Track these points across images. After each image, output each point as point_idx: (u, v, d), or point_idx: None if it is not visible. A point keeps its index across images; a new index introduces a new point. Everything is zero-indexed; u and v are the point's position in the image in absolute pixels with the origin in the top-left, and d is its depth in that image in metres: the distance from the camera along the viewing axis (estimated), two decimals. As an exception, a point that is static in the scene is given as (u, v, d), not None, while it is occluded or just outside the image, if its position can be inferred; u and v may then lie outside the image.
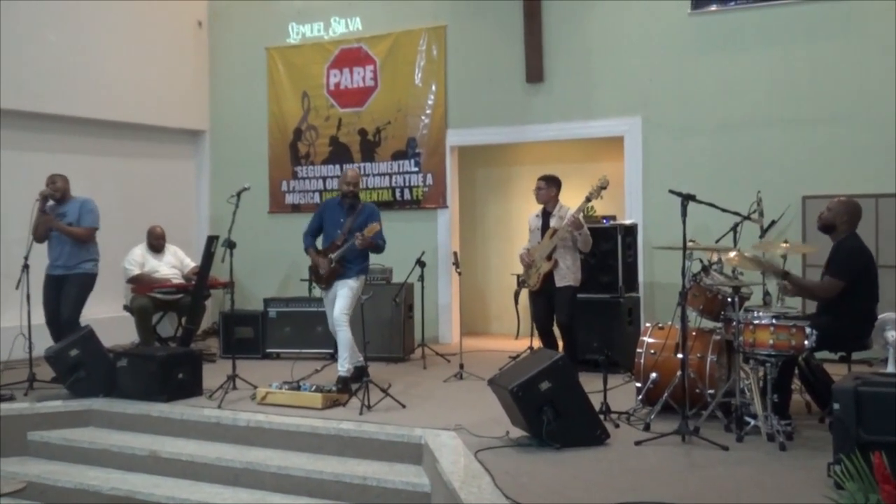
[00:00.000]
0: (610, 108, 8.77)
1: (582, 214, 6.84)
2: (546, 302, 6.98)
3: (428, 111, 9.65)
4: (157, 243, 8.64)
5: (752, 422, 5.14)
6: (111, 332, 8.13)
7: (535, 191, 7.16)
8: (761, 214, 6.96)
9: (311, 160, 10.31)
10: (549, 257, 6.87)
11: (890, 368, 5.29)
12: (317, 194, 10.23)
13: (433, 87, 9.62)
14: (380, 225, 6.60)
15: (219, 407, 6.18)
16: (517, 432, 5.22)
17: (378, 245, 6.72)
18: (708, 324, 5.98)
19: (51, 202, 7.23)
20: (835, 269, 5.47)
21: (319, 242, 6.96)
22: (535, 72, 9.00)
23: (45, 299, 7.21)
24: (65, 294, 7.15)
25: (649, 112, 8.58)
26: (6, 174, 8.52)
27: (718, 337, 5.75)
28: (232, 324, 8.20)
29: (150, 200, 10.02)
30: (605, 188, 6.65)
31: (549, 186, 7.11)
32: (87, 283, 7.23)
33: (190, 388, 6.64)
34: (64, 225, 7.15)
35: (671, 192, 5.50)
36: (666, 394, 5.48)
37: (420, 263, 8.10)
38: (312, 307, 8.40)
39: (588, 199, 6.71)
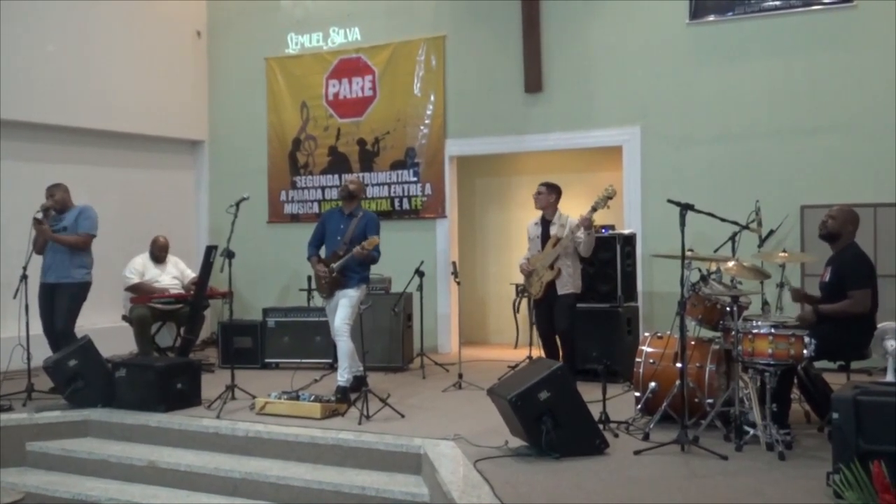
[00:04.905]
0: (609, 117, 8.79)
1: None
2: (548, 310, 6.99)
3: (427, 121, 9.67)
4: (159, 254, 8.64)
5: (752, 431, 5.13)
6: (110, 341, 8.12)
7: (535, 195, 7.15)
8: (760, 224, 6.97)
9: (309, 170, 10.32)
10: (551, 266, 6.88)
11: (889, 378, 5.28)
12: (316, 204, 10.24)
13: (432, 97, 9.64)
14: (379, 238, 6.61)
15: (217, 417, 6.17)
16: (516, 442, 5.21)
17: (373, 257, 6.71)
18: (707, 333, 5.99)
19: (52, 213, 7.24)
20: (857, 280, 5.42)
21: (322, 252, 6.96)
22: (534, 82, 9.02)
23: (41, 308, 7.20)
24: (57, 304, 7.12)
25: (648, 122, 8.60)
26: (5, 185, 8.52)
27: (717, 346, 5.75)
28: (231, 334, 8.20)
29: (150, 210, 10.03)
30: (611, 198, 6.64)
31: (550, 192, 7.11)
32: (78, 292, 7.18)
33: (188, 398, 6.62)
34: (59, 236, 7.11)
35: (670, 201, 5.51)
36: (665, 403, 5.48)
37: (419, 273, 8.09)
38: (311, 317, 8.39)
39: (594, 209, 6.69)
